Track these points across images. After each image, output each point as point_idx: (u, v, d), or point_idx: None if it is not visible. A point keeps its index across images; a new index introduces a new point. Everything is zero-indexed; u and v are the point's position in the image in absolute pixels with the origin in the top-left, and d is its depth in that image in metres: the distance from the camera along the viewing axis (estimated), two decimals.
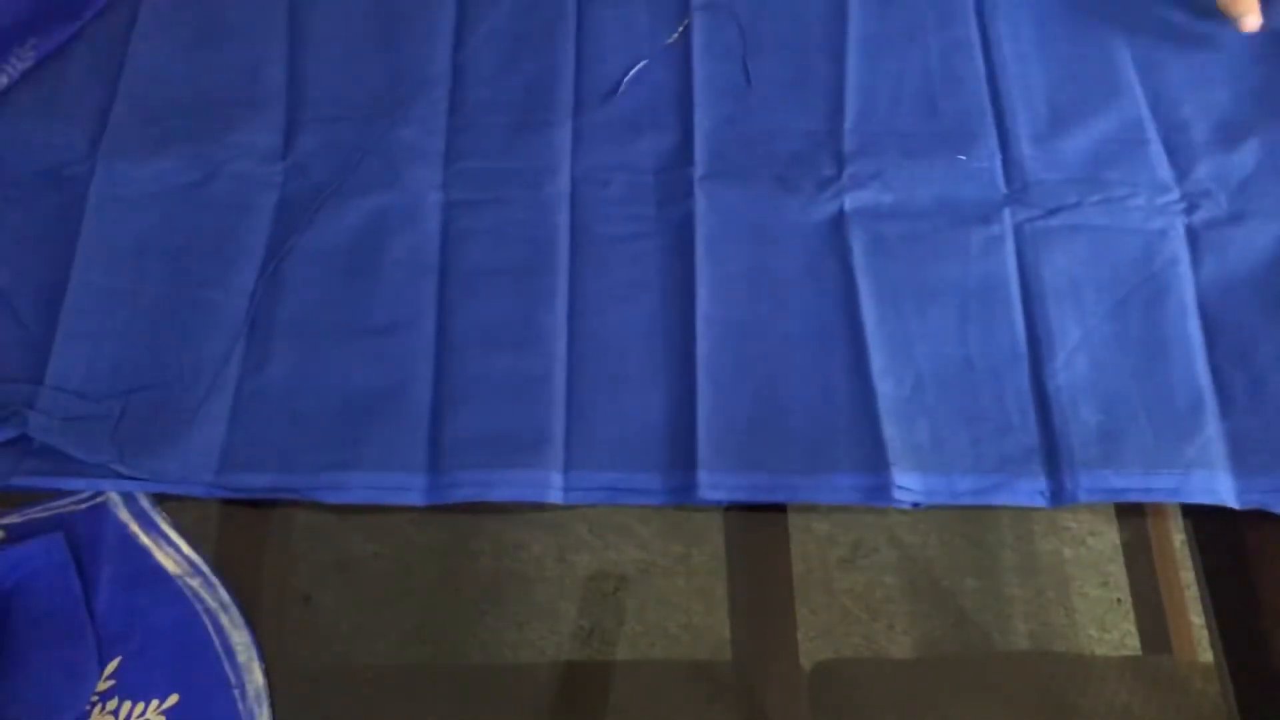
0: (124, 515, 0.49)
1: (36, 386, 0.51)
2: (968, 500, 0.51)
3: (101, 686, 0.46)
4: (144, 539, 0.49)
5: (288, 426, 0.51)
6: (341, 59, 0.62)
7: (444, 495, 0.50)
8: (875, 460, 0.51)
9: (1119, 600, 0.52)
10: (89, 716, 0.45)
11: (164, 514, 0.50)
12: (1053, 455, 0.52)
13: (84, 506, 0.49)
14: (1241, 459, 0.52)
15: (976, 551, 0.53)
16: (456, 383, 0.53)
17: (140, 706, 0.45)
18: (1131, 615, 0.52)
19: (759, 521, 0.53)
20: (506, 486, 0.50)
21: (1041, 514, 0.53)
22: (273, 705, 0.47)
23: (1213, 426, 0.53)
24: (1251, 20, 0.60)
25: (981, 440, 0.52)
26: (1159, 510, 0.53)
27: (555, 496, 0.51)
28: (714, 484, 0.50)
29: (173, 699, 0.46)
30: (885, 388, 0.53)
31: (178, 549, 0.49)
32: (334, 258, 0.55)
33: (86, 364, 0.52)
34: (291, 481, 0.50)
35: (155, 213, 0.56)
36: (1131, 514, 0.53)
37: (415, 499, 0.50)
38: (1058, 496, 0.51)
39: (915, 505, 0.52)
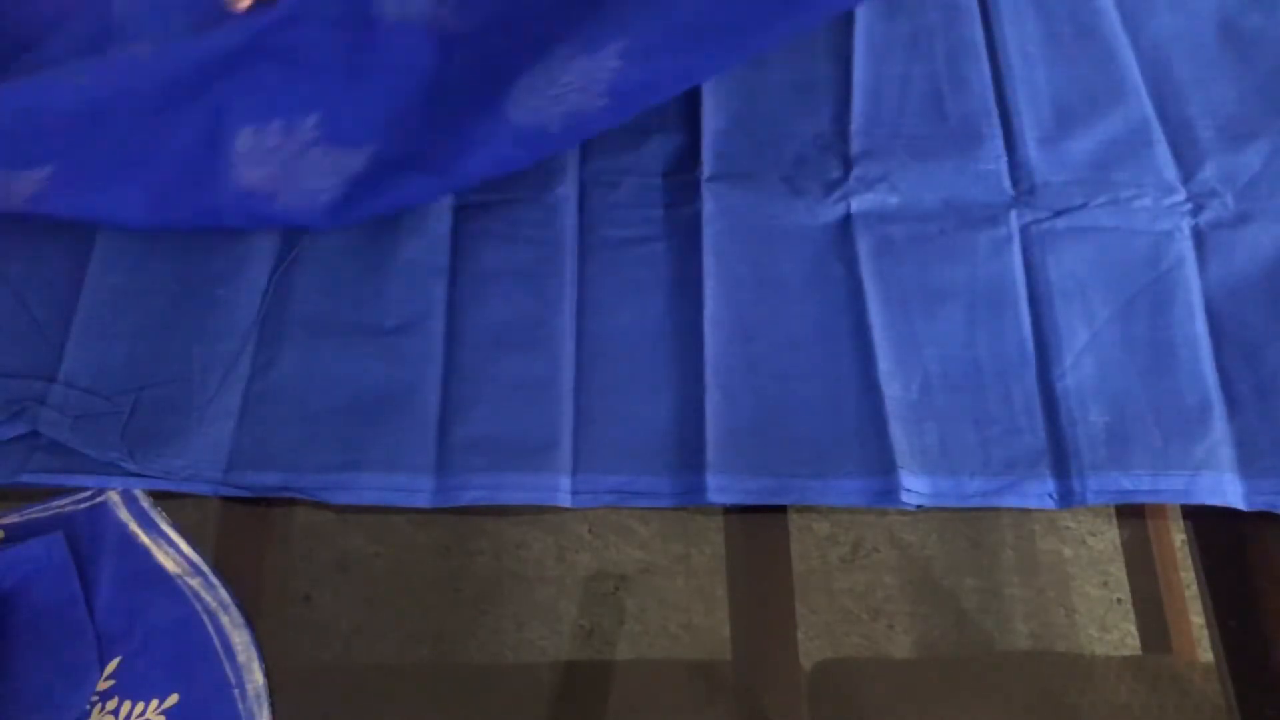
0: (124, 515, 0.49)
1: (48, 383, 0.51)
2: (976, 503, 0.51)
3: (101, 686, 0.45)
4: (144, 539, 0.49)
5: (297, 426, 0.51)
6: None
7: (452, 498, 0.50)
8: (883, 463, 0.51)
9: (1119, 600, 0.52)
10: (89, 716, 0.45)
11: (164, 514, 0.50)
12: (1061, 457, 0.52)
13: (84, 506, 0.49)
14: (1249, 461, 0.52)
15: (976, 551, 0.53)
16: (465, 384, 0.53)
17: (140, 706, 0.45)
18: (1131, 615, 0.52)
19: (759, 521, 0.53)
20: (515, 490, 0.50)
21: (1041, 514, 0.53)
22: (273, 705, 0.46)
23: (1220, 428, 0.53)
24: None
25: (989, 443, 0.52)
26: (1159, 510, 0.53)
27: (564, 500, 0.50)
28: (722, 487, 0.50)
29: (173, 699, 0.46)
30: (893, 390, 0.53)
31: (178, 549, 0.49)
32: (345, 258, 0.55)
33: (98, 361, 0.52)
34: (299, 481, 0.50)
35: None
36: (1131, 514, 0.54)
37: (423, 501, 0.50)
38: (1066, 498, 0.51)
39: (919, 506, 0.51)
